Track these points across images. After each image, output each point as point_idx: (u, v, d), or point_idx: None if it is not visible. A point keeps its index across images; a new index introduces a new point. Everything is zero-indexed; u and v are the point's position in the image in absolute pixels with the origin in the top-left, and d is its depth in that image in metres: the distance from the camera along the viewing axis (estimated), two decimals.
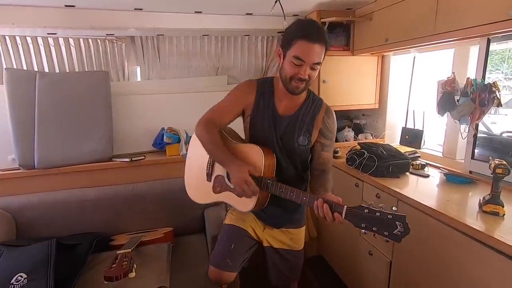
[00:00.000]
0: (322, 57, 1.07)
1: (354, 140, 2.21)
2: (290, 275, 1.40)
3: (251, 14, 2.02)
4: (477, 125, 1.53)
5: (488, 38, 1.45)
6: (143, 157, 1.98)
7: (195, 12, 1.93)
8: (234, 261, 1.22)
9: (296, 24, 1.09)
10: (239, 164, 1.10)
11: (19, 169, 1.80)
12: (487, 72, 1.50)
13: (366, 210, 0.91)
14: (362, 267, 1.71)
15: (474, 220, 1.10)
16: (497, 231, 1.01)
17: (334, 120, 1.23)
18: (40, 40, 1.90)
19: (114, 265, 1.27)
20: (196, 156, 1.32)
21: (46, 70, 1.96)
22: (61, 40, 1.94)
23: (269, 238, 1.33)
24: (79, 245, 1.51)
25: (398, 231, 0.87)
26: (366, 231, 0.91)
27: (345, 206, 0.95)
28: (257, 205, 1.15)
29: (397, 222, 0.87)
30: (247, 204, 1.16)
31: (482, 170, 1.50)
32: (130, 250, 1.41)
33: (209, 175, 1.31)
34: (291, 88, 1.10)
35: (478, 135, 1.56)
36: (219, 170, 1.28)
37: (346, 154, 1.79)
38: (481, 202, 1.18)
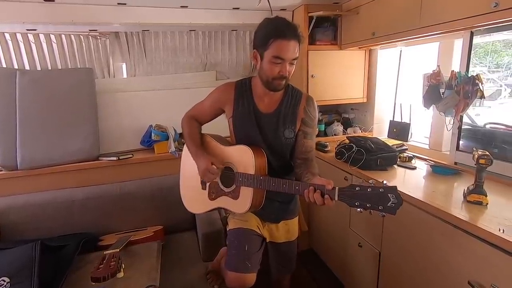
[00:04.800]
0: (298, 52, 1.10)
1: (343, 134, 2.23)
2: (289, 266, 1.45)
3: (238, 8, 1.99)
4: (461, 117, 1.56)
5: (471, 31, 1.47)
6: (131, 156, 1.94)
7: (181, 6, 1.89)
8: (251, 261, 1.22)
9: (269, 24, 1.11)
10: (205, 157, 1.20)
11: (1, 170, 1.74)
12: (472, 66, 1.53)
13: (357, 188, 0.92)
14: (352, 259, 1.73)
15: (459, 210, 1.12)
16: (481, 220, 1.04)
17: (315, 107, 1.27)
18: (19, 37, 1.83)
19: (102, 265, 1.24)
20: (189, 166, 1.31)
21: (27, 67, 1.89)
22: (42, 37, 1.87)
23: (270, 233, 1.35)
24: (65, 246, 1.47)
25: (391, 203, 0.88)
26: (361, 209, 0.91)
27: (337, 188, 0.96)
28: (252, 205, 1.16)
29: (389, 194, 0.89)
30: (242, 205, 1.18)
31: (467, 161, 1.53)
32: (118, 250, 1.38)
33: (203, 183, 1.32)
34: (274, 86, 1.14)
35: (463, 127, 1.59)
36: None
37: (335, 148, 1.80)
38: (466, 192, 1.21)
